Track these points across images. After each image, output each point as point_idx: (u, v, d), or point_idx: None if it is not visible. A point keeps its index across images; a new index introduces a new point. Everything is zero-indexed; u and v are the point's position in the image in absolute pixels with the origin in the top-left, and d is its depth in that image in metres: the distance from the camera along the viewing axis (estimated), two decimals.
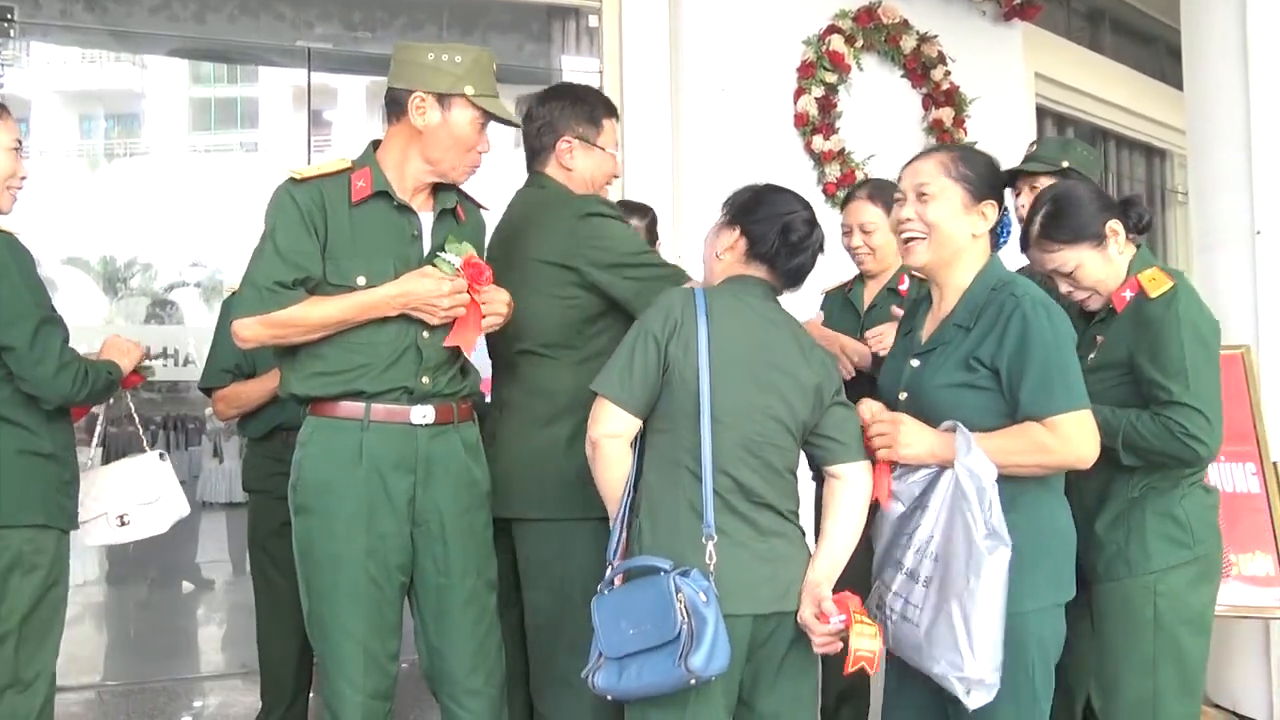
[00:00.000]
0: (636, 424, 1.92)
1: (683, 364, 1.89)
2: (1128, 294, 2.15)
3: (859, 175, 4.43)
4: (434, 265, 2.08)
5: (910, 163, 2.04)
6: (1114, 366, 2.13)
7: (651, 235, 3.17)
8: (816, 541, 1.95)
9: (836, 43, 4.52)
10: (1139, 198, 2.30)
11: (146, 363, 2.62)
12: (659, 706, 1.84)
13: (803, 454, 2.00)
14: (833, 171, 4.47)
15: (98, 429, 2.78)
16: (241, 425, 3.05)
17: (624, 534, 1.91)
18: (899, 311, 2.44)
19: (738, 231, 2.03)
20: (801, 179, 4.33)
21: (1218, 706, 3.33)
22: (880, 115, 4.62)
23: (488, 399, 2.41)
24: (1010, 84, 5.00)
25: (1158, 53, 6.58)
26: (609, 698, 1.85)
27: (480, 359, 2.26)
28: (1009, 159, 2.38)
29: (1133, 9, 6.57)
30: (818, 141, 4.48)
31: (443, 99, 2.08)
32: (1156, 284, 2.11)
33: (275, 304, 2.01)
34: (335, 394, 2.07)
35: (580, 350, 2.25)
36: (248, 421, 2.98)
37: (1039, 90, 5.47)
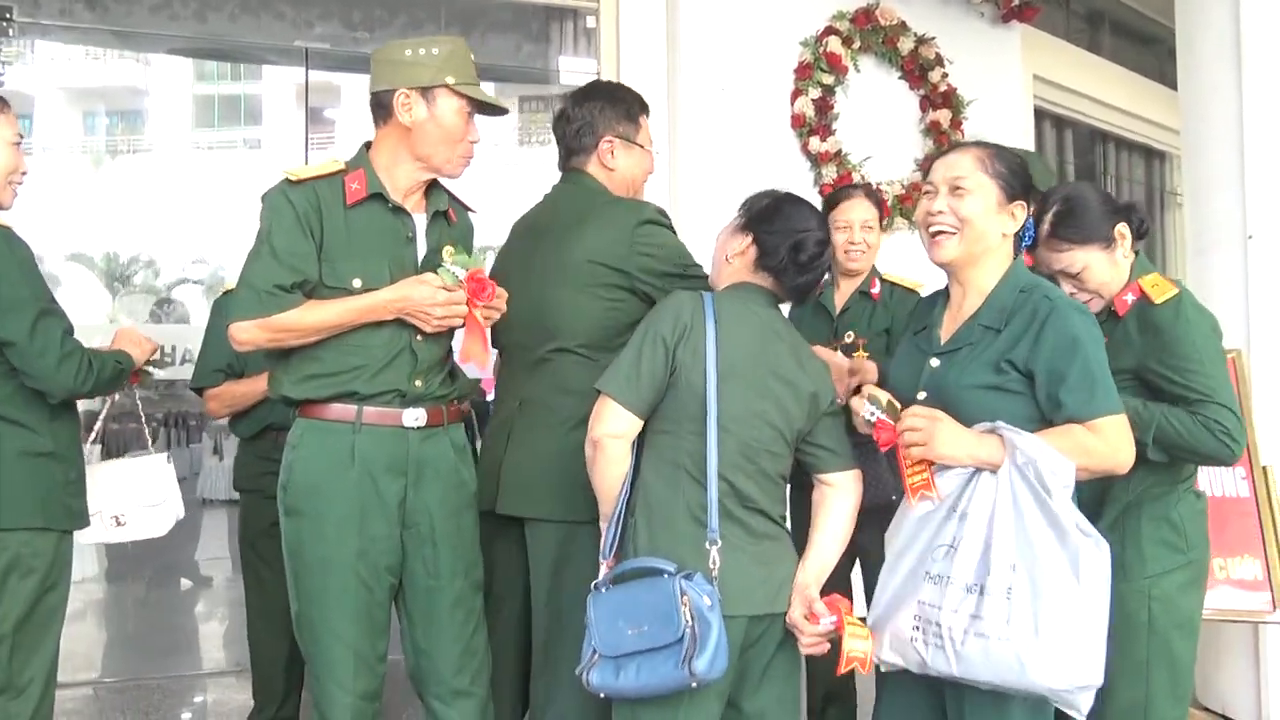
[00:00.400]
0: (639, 425, 1.92)
1: (690, 368, 1.89)
2: (1129, 298, 2.15)
3: (855, 177, 4.42)
4: (436, 273, 2.06)
5: (944, 155, 1.98)
6: (1117, 370, 2.12)
7: None
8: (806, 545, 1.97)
9: (834, 44, 4.51)
10: (1138, 204, 2.29)
11: (156, 357, 2.58)
12: (650, 706, 1.84)
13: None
14: (829, 173, 4.46)
15: (96, 425, 2.75)
16: (232, 424, 3.03)
17: (619, 532, 1.91)
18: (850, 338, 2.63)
19: (750, 238, 2.03)
20: (798, 180, 4.32)
21: (1207, 710, 3.34)
22: (877, 117, 4.62)
23: (488, 399, 2.40)
24: (1008, 86, 4.98)
25: (1157, 54, 6.54)
26: (602, 695, 1.84)
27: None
28: None
29: (1131, 11, 6.54)
30: (814, 143, 4.47)
31: (426, 92, 2.08)
32: (1160, 290, 2.11)
33: (274, 307, 1.99)
34: (327, 396, 2.06)
35: (616, 354, 2.24)
36: (238, 421, 2.97)
37: (1037, 92, 5.46)
